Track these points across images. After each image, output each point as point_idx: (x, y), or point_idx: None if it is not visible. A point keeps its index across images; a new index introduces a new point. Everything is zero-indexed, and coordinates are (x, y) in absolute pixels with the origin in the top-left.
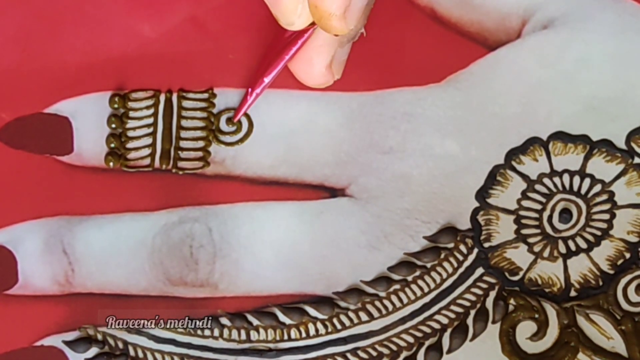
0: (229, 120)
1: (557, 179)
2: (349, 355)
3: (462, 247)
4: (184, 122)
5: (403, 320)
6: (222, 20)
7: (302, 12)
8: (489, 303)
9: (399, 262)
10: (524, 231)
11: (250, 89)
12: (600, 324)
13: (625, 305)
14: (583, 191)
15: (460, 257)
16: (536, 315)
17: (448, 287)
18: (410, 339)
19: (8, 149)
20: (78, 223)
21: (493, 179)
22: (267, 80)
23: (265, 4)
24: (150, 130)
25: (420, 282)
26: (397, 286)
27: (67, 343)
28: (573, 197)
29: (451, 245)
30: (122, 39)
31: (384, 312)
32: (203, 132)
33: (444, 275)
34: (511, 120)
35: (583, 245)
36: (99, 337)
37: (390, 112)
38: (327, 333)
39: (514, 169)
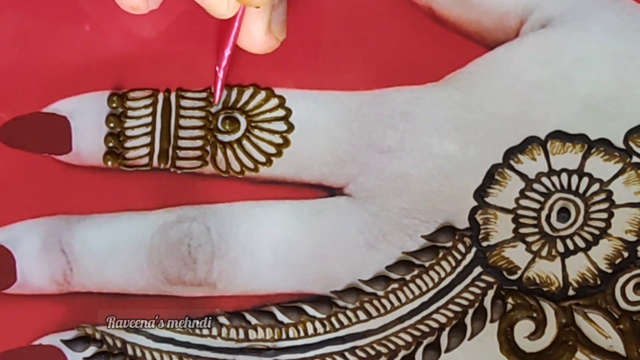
0: (227, 120)
1: (555, 178)
2: (347, 354)
3: (460, 246)
4: (182, 122)
5: (401, 319)
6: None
7: (230, 3)
8: (487, 302)
9: (397, 261)
10: (522, 230)
11: (217, 67)
12: (598, 323)
13: (623, 304)
14: (581, 190)
15: (459, 256)
16: (534, 315)
17: (446, 286)
18: (409, 338)
19: (6, 149)
20: (76, 222)
21: (491, 178)
22: (227, 53)
23: None
24: (149, 129)
25: (418, 281)
26: (395, 285)
27: (66, 342)
28: (571, 196)
29: (449, 244)
30: (120, 38)
31: (382, 311)
32: (201, 132)
33: (442, 274)
34: (509, 120)
35: (581, 244)
36: (97, 336)
37: (389, 111)
38: (326, 332)
39: (512, 168)
